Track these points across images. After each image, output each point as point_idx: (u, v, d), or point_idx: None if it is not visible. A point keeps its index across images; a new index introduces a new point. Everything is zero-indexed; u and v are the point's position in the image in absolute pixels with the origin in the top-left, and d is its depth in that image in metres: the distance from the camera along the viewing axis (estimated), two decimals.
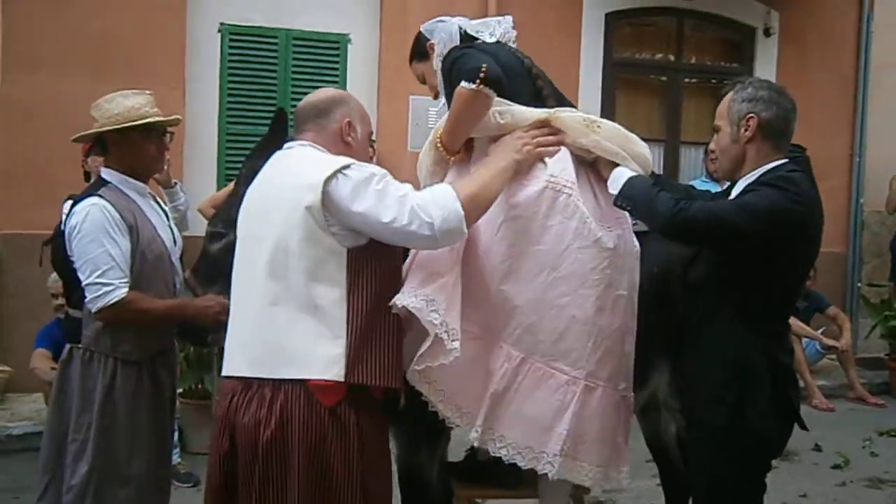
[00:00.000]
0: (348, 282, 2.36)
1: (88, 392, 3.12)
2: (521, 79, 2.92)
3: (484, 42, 2.94)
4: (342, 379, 2.33)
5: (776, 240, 2.55)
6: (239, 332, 2.48)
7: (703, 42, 8.92)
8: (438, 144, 2.89)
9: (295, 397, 2.32)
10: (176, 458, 4.81)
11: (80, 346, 3.17)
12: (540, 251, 2.67)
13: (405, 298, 2.44)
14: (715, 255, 2.74)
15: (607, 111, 8.13)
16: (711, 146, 2.91)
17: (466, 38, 2.98)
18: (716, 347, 2.70)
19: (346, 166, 2.37)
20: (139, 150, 3.26)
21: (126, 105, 3.22)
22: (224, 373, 2.50)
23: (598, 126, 2.81)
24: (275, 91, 7.39)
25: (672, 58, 8.76)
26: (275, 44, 7.39)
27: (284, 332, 2.36)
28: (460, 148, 2.91)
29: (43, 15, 6.71)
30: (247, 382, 2.39)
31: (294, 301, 2.35)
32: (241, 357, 2.44)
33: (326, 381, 2.33)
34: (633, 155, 2.83)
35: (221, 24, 7.28)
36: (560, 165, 2.75)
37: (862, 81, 8.98)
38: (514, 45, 3.05)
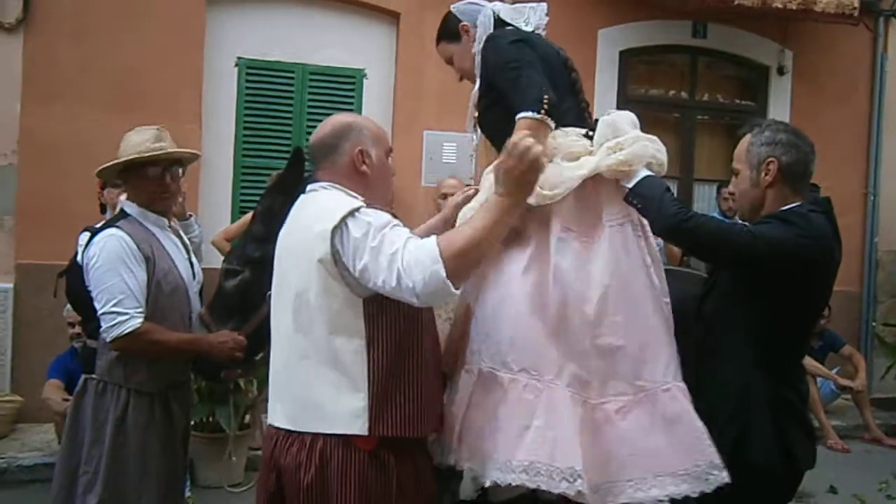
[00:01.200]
0: (367, 332, 2.35)
1: (101, 424, 3.14)
2: (557, 71, 2.83)
3: (518, 29, 2.85)
4: (367, 433, 2.32)
5: (779, 272, 2.54)
6: (276, 383, 2.50)
7: (716, 80, 8.96)
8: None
9: (334, 443, 2.32)
10: (186, 493, 4.79)
11: (94, 376, 3.20)
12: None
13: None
14: (726, 288, 2.74)
15: None
16: (731, 188, 2.89)
17: (499, 23, 2.89)
18: (722, 380, 2.69)
19: (349, 215, 2.32)
20: (146, 183, 3.31)
21: (135, 140, 3.30)
22: (269, 420, 2.50)
23: (621, 147, 2.69)
24: (290, 125, 7.45)
25: (686, 95, 8.80)
26: (291, 78, 7.46)
27: (310, 387, 2.36)
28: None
29: (63, 48, 6.80)
30: (287, 430, 2.40)
31: (318, 355, 2.35)
32: (279, 407, 2.46)
33: (351, 435, 2.32)
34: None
35: (239, 58, 7.37)
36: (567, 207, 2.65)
37: (876, 120, 8.99)
38: (544, 34, 2.95)
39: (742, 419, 2.63)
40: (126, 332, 3.06)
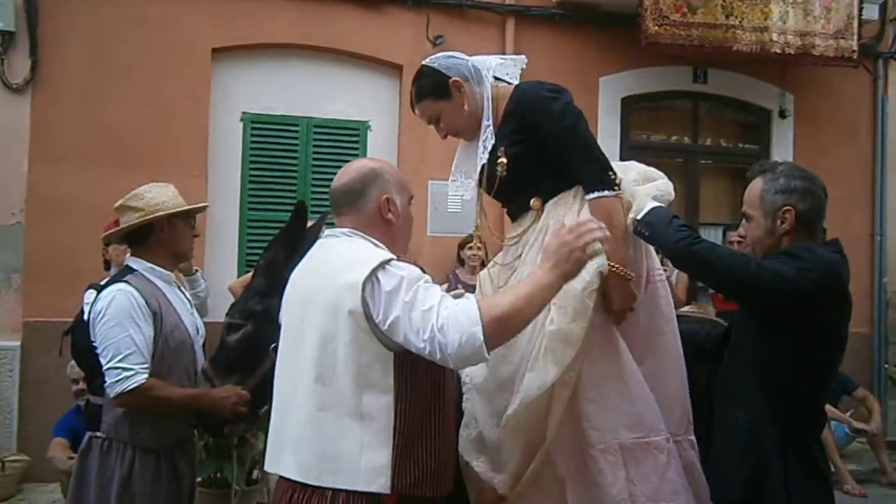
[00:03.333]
0: (395, 387, 2.30)
1: (106, 482, 3.11)
2: None
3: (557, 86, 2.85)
4: (388, 491, 2.27)
5: (783, 304, 2.52)
6: (288, 433, 2.39)
7: (719, 124, 9.00)
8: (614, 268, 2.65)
9: (356, 499, 2.26)
10: None
11: (98, 434, 3.18)
12: None
13: None
14: (738, 333, 2.72)
15: None
16: (741, 232, 2.85)
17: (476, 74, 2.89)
18: (733, 423, 2.67)
19: (379, 267, 2.29)
20: (184, 236, 3.37)
21: (168, 194, 3.34)
22: (273, 470, 2.43)
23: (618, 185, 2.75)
24: (295, 178, 7.49)
25: (689, 140, 8.83)
26: (296, 132, 7.52)
27: (331, 439, 2.28)
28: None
29: (69, 107, 6.89)
30: (303, 483, 2.32)
31: (341, 407, 2.28)
32: (291, 458, 2.36)
33: (373, 493, 2.27)
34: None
35: (244, 113, 7.44)
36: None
37: (879, 161, 8.99)
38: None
39: (752, 462, 2.59)
40: (130, 387, 3.04)
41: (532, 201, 2.87)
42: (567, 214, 2.75)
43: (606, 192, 2.66)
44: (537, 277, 2.37)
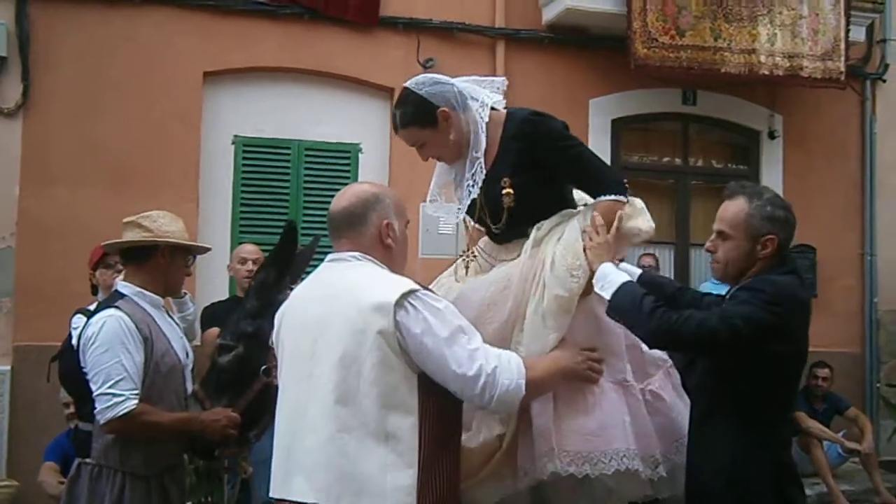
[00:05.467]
0: (420, 408, 2.32)
1: None
2: None
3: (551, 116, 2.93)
4: None
5: (758, 344, 2.56)
6: (301, 457, 2.35)
7: (709, 145, 9.04)
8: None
9: None
10: None
11: (88, 461, 3.17)
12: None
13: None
14: (713, 365, 2.73)
15: None
16: (710, 247, 2.84)
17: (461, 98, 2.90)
18: (713, 451, 2.68)
19: (412, 292, 2.33)
20: (180, 270, 3.40)
21: (177, 226, 3.38)
22: (282, 495, 2.39)
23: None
24: (287, 201, 7.50)
25: (679, 161, 8.87)
26: (287, 155, 7.54)
27: (352, 461, 2.27)
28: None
29: (60, 132, 6.89)
30: None
31: (363, 428, 2.27)
32: (304, 482, 2.32)
33: None
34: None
35: (235, 136, 7.45)
36: None
37: (868, 181, 9.02)
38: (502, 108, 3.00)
39: (739, 490, 2.62)
40: (121, 413, 3.03)
41: (531, 230, 2.91)
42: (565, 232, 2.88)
43: (616, 196, 2.84)
44: (562, 358, 2.68)
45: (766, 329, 2.54)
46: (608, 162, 8.07)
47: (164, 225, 3.30)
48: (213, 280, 7.17)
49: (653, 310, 2.61)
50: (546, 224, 2.93)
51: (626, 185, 2.88)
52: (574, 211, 3.00)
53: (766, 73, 7.98)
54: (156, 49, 7.12)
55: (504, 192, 2.85)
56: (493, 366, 2.34)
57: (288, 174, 7.53)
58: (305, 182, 7.53)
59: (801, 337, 2.71)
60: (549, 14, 7.98)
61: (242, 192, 7.45)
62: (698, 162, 8.96)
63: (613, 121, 8.39)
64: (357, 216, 2.49)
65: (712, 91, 8.55)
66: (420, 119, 2.85)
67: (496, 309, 2.81)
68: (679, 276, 8.37)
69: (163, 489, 3.21)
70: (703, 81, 8.30)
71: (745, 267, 2.75)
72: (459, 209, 3.05)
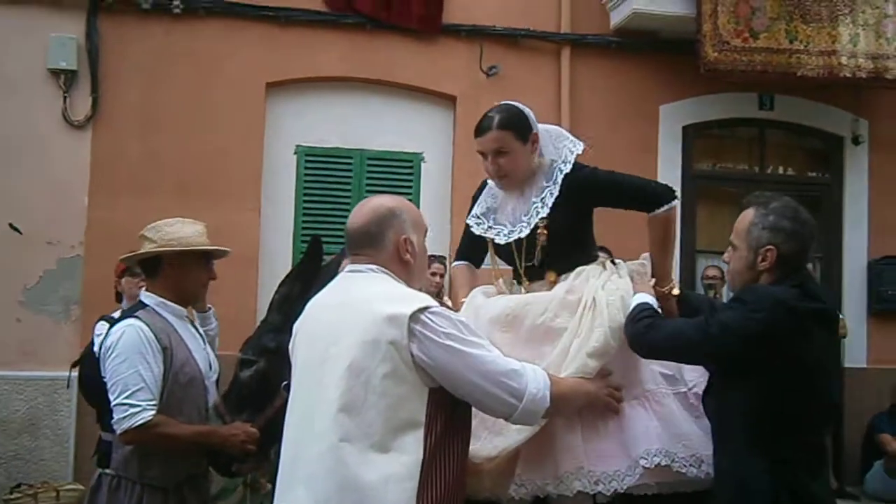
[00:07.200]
0: (426, 423, 2.28)
1: None
2: None
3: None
4: None
5: (731, 349, 2.55)
6: (303, 466, 2.32)
7: (787, 152, 8.68)
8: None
9: None
10: None
11: (108, 471, 3.17)
12: None
13: None
14: (717, 383, 2.68)
15: (688, 224, 7.97)
16: (725, 258, 2.85)
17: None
18: (724, 475, 2.63)
19: (428, 307, 2.30)
20: (193, 276, 3.33)
21: (187, 231, 3.31)
22: None
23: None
24: (349, 211, 7.39)
25: (756, 169, 8.54)
26: (349, 164, 7.54)
27: (354, 472, 2.22)
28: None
29: (128, 143, 7.08)
30: None
31: (367, 439, 2.24)
32: (304, 492, 2.27)
33: None
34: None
35: (298, 146, 7.50)
36: None
37: None
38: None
39: None
40: (137, 424, 3.01)
41: (548, 274, 2.98)
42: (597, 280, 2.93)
43: (669, 205, 2.95)
44: (585, 383, 2.67)
45: (746, 336, 2.51)
46: (679, 170, 7.95)
47: (171, 233, 3.26)
48: (275, 288, 7.20)
49: (637, 319, 2.68)
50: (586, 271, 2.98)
51: (673, 189, 2.98)
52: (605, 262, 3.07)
53: (848, 75, 7.61)
54: (219, 60, 7.24)
55: (538, 231, 2.96)
56: (521, 373, 2.34)
57: (350, 184, 7.53)
58: (367, 191, 7.50)
59: (803, 347, 2.56)
60: (616, 18, 7.79)
61: (304, 201, 7.49)
62: (776, 170, 8.60)
63: (685, 127, 8.14)
64: (373, 235, 2.46)
65: (791, 95, 8.21)
66: (518, 127, 2.95)
67: (516, 322, 2.86)
68: None
69: (182, 501, 3.17)
70: (779, 85, 7.98)
71: (748, 278, 2.70)
72: (509, 232, 3.08)
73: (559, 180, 2.96)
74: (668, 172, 7.89)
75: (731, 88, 8.02)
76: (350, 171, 7.54)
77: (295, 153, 7.50)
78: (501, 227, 3.10)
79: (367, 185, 7.53)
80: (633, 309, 2.75)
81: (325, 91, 7.57)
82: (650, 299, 2.80)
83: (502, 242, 3.09)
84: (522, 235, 2.99)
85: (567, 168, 2.97)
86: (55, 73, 6.99)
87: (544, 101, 7.61)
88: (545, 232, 2.95)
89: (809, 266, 2.94)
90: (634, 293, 2.85)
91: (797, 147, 8.72)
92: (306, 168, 7.50)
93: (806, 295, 2.60)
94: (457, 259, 3.39)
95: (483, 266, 3.36)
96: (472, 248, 3.30)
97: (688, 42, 7.50)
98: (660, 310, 2.80)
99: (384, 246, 2.46)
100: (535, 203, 2.98)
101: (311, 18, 7.40)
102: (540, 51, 7.83)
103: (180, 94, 7.15)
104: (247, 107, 7.26)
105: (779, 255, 2.63)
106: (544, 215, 2.95)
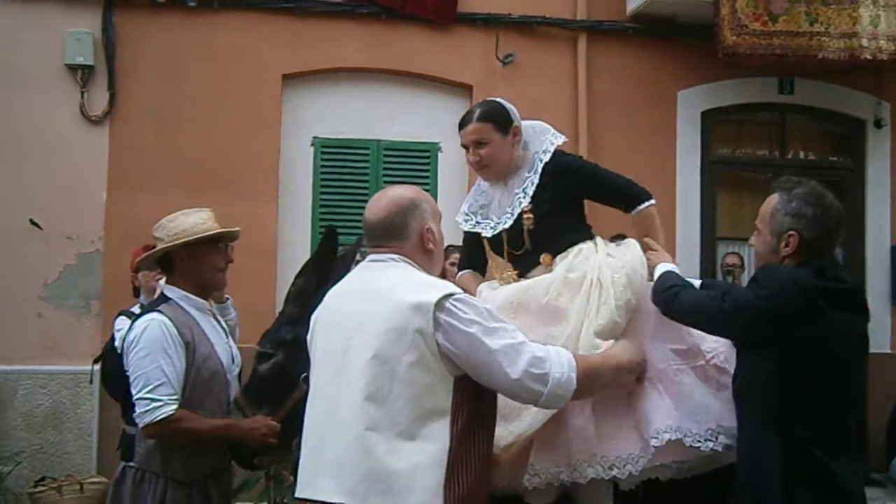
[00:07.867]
0: (452, 410, 2.29)
1: None
2: None
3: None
4: None
5: (739, 323, 2.61)
6: (327, 455, 2.32)
7: (808, 137, 8.59)
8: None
9: None
10: None
11: (132, 465, 3.18)
12: None
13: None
14: (739, 357, 2.73)
15: (707, 210, 7.92)
16: (751, 241, 2.89)
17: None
18: (742, 450, 2.67)
19: (453, 294, 2.32)
20: (206, 264, 3.31)
21: (190, 221, 3.28)
22: (308, 494, 2.36)
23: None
24: (366, 201, 7.34)
25: (777, 154, 8.44)
26: (366, 155, 7.53)
27: (381, 460, 2.23)
28: None
29: (146, 137, 7.09)
30: None
31: (393, 427, 2.25)
32: (330, 481, 2.28)
33: None
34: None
35: (314, 137, 7.50)
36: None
37: None
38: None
39: (753, 489, 2.59)
40: (158, 418, 3.02)
41: (542, 257, 3.05)
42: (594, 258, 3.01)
43: (647, 203, 3.10)
44: (618, 354, 2.67)
45: (752, 312, 2.56)
46: (698, 156, 7.87)
47: (174, 228, 3.24)
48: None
49: (664, 289, 2.79)
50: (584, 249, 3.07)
51: (650, 193, 3.15)
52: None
53: (869, 57, 7.49)
54: (235, 53, 7.24)
55: (524, 216, 3.05)
56: (544, 359, 2.33)
57: (367, 174, 7.52)
58: (385, 182, 7.47)
59: (817, 325, 2.54)
60: (632, 4, 7.72)
61: (322, 192, 7.49)
62: (797, 154, 8.51)
63: (703, 113, 8.04)
64: (397, 227, 2.49)
65: (811, 78, 8.11)
66: (498, 119, 3.06)
67: (521, 307, 2.93)
68: None
69: (205, 495, 3.18)
70: (799, 69, 7.87)
71: (772, 262, 2.71)
72: (495, 225, 3.17)
73: (539, 169, 3.06)
74: (687, 159, 7.84)
75: (750, 73, 7.92)
76: (367, 161, 7.53)
77: (312, 144, 7.49)
78: (488, 221, 3.19)
79: (385, 175, 7.51)
80: (658, 279, 2.87)
81: (341, 82, 7.55)
82: (672, 267, 2.90)
83: (489, 235, 3.17)
84: (507, 226, 3.08)
85: (546, 157, 3.07)
86: (72, 68, 7.01)
87: (561, 88, 7.57)
88: (531, 216, 3.03)
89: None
90: (657, 263, 2.95)
91: (818, 131, 8.63)
92: (323, 159, 7.50)
93: (822, 277, 2.59)
94: (460, 270, 3.46)
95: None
96: (472, 257, 3.38)
97: (706, 26, 7.41)
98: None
99: (408, 236, 2.48)
100: (517, 194, 3.07)
101: (327, 10, 7.38)
102: (556, 38, 7.76)
103: (197, 88, 7.16)
104: (263, 99, 7.25)
105: (801, 240, 2.64)
106: (526, 204, 3.04)
